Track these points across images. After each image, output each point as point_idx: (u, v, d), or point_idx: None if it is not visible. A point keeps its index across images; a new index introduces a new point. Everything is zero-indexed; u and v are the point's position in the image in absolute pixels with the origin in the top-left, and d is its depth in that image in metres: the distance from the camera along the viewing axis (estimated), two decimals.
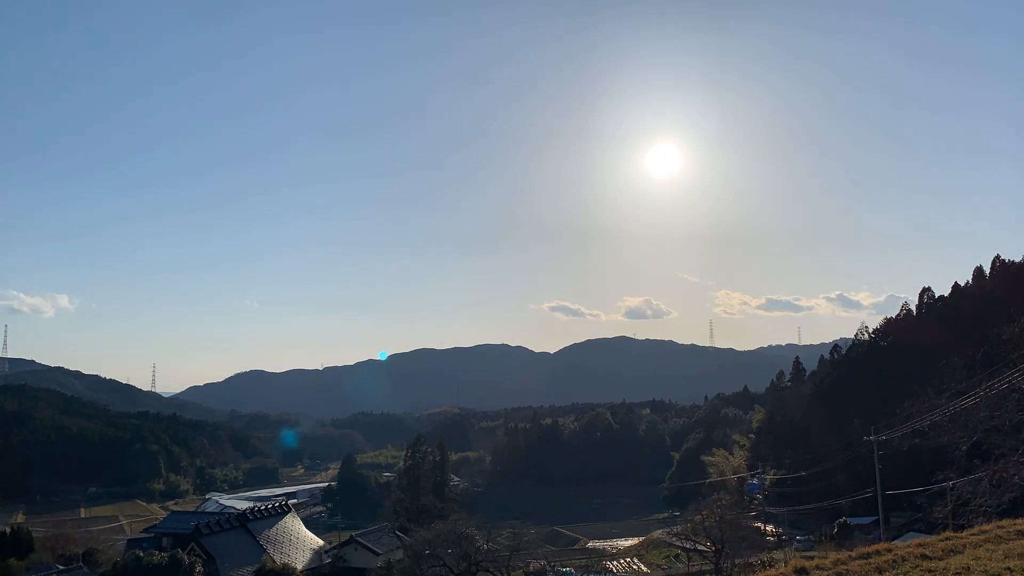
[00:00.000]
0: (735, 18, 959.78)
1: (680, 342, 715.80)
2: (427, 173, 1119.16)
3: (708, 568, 76.82)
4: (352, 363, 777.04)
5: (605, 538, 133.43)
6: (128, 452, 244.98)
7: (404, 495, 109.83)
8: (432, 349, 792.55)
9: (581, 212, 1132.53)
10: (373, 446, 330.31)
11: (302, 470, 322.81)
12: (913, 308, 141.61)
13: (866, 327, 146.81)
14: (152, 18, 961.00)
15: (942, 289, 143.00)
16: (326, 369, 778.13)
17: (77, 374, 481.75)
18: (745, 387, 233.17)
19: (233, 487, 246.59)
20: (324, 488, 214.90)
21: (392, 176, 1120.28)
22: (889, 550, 16.80)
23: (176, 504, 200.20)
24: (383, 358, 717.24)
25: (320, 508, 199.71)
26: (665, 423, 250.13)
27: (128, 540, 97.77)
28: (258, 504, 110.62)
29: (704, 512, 76.51)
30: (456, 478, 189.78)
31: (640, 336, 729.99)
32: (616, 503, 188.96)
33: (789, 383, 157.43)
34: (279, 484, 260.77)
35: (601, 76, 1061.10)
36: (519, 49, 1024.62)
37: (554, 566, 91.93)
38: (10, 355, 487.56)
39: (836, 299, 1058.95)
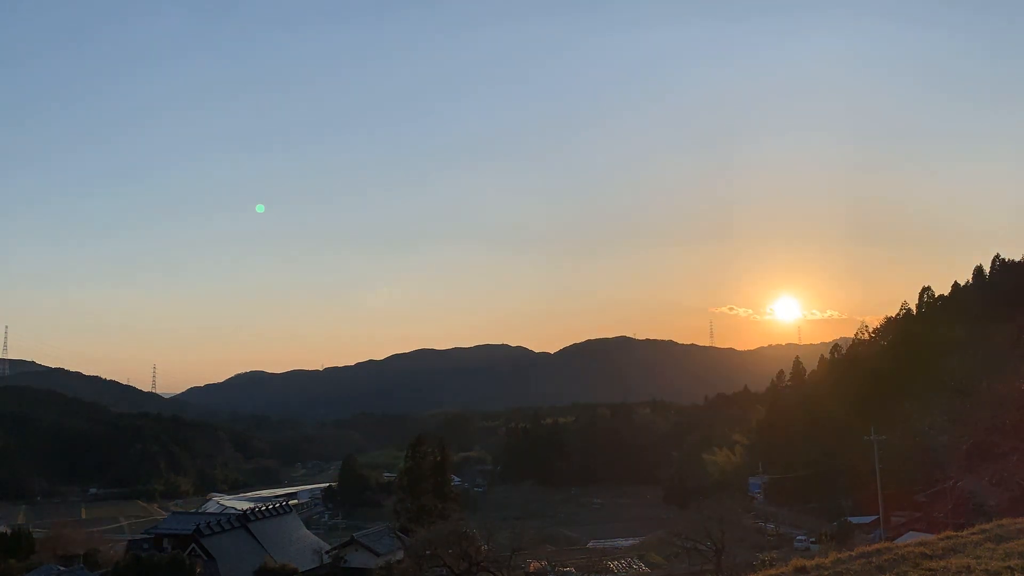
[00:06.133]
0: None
1: (680, 342, 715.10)
2: (428, 172, 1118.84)
3: (708, 568, 76.79)
4: (352, 363, 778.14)
5: (605, 538, 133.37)
6: (129, 453, 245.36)
7: (404, 495, 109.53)
8: (432, 349, 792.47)
9: (583, 211, 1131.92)
10: (373, 446, 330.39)
11: (303, 471, 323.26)
12: (913, 308, 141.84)
13: (866, 327, 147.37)
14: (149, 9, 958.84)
15: (942, 289, 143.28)
16: (326, 369, 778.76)
17: (78, 375, 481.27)
18: (745, 387, 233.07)
19: (234, 488, 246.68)
20: (325, 489, 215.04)
21: (393, 175, 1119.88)
22: (889, 549, 16.83)
23: (177, 505, 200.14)
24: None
25: (321, 508, 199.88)
26: (665, 423, 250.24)
27: (129, 541, 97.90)
28: (259, 505, 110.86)
29: (704, 512, 76.51)
30: (457, 478, 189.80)
31: (640, 336, 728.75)
32: (616, 503, 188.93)
33: (789, 383, 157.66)
34: (280, 485, 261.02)
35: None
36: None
37: (555, 566, 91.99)
38: (11, 356, 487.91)
39: (835, 298, 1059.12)
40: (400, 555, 76.03)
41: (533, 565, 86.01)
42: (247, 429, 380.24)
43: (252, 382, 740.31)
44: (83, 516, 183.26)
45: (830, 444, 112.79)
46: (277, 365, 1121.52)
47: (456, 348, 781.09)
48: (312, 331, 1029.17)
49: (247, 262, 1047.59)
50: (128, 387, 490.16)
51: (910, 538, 31.62)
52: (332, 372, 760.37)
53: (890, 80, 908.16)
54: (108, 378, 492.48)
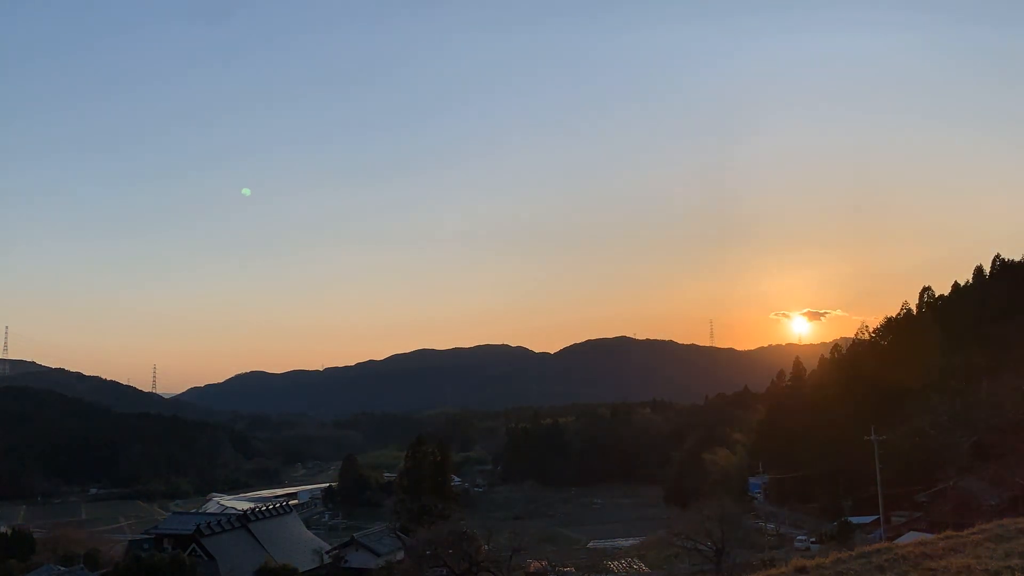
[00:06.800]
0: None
1: (680, 342, 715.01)
2: (429, 173, 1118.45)
3: (708, 568, 76.82)
4: (352, 363, 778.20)
5: (605, 538, 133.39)
6: (129, 453, 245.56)
7: (405, 495, 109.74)
8: (432, 349, 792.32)
9: (583, 211, 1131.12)
10: (373, 446, 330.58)
11: (303, 471, 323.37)
12: (913, 308, 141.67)
13: (866, 327, 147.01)
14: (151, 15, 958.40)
15: (942, 289, 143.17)
16: (326, 370, 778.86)
17: (78, 375, 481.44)
18: (745, 387, 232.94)
19: (234, 488, 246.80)
20: (325, 489, 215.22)
21: (393, 175, 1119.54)
22: (890, 549, 16.85)
23: (177, 505, 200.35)
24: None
25: (321, 509, 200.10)
26: (665, 423, 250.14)
27: (129, 541, 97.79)
28: (259, 505, 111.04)
29: (704, 512, 76.52)
30: (457, 478, 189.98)
31: (640, 336, 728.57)
32: (616, 503, 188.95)
33: (789, 383, 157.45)
34: (280, 485, 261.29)
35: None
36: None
37: (555, 566, 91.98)
38: (11, 356, 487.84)
39: (835, 299, 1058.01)
40: (400, 555, 76.13)
41: (533, 565, 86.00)
42: (247, 429, 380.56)
43: (252, 382, 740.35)
44: (83, 516, 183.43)
45: (830, 444, 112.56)
46: (277, 365, 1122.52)
47: (456, 348, 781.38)
48: (312, 331, 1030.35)
49: (247, 262, 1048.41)
50: (128, 387, 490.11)
51: (910, 538, 31.64)
52: (332, 372, 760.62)
53: (890, 80, 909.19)
54: (108, 378, 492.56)
